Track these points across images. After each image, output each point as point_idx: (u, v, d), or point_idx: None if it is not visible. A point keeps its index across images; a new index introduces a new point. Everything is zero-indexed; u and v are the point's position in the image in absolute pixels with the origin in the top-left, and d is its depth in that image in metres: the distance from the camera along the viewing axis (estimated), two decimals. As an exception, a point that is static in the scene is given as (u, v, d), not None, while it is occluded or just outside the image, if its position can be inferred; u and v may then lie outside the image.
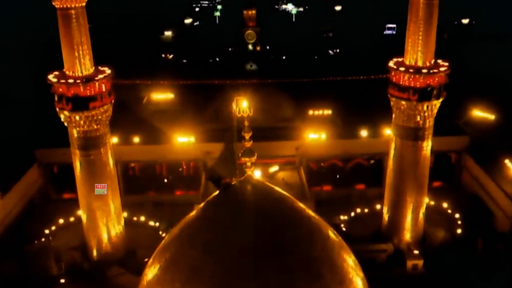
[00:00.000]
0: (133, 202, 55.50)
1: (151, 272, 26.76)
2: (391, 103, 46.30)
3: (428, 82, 43.73)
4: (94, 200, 46.57)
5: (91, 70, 44.04)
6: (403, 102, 44.81)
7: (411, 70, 43.80)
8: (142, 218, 54.50)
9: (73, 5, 41.73)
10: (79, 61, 43.16)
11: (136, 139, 59.50)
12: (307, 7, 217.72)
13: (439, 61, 45.06)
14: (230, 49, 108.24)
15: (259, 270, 23.67)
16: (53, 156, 58.32)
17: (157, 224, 53.82)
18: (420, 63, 44.17)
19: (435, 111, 45.26)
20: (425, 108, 44.48)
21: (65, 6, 41.66)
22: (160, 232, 52.54)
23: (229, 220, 25.60)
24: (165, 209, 55.64)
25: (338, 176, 61.57)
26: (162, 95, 71.93)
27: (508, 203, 49.59)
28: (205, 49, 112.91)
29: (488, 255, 46.95)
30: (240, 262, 23.88)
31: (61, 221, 53.26)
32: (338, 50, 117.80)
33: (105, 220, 47.48)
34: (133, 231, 51.74)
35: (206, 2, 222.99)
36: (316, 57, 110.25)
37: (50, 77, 43.52)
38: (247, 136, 25.50)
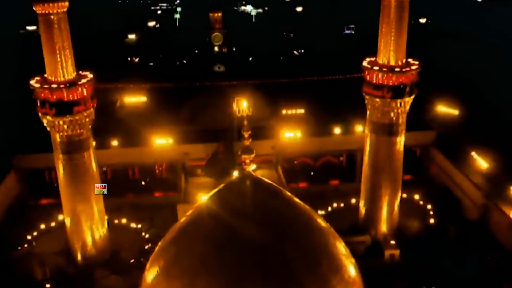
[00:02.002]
0: (112, 205, 55.69)
1: (155, 268, 27.58)
2: (366, 100, 48.26)
3: (400, 80, 45.89)
4: (78, 203, 46.88)
5: (73, 74, 44.42)
6: (378, 100, 46.85)
7: (384, 69, 45.88)
8: (124, 221, 54.91)
9: (54, 11, 42.09)
10: (61, 66, 43.50)
11: (114, 143, 59.86)
12: (266, 8, 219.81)
13: (410, 60, 47.37)
14: (196, 51, 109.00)
15: (263, 262, 24.90)
16: (30, 162, 58.14)
17: (139, 226, 54.36)
18: (392, 62, 46.31)
19: (408, 107, 47.56)
20: (398, 105, 46.65)
21: (46, 12, 41.98)
22: (143, 234, 53.22)
23: (231, 214, 26.78)
24: (145, 211, 56.24)
25: (312, 173, 63.45)
26: (135, 98, 72.16)
27: (476, 192, 52.50)
28: (171, 51, 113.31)
29: (460, 242, 49.53)
30: (245, 254, 25.07)
31: (42, 226, 53.18)
32: (302, 51, 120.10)
33: (89, 223, 47.82)
34: (115, 233, 52.07)
35: (165, 4, 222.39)
36: (281, 58, 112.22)
37: (32, 82, 43.68)
38: (246, 134, 26.82)
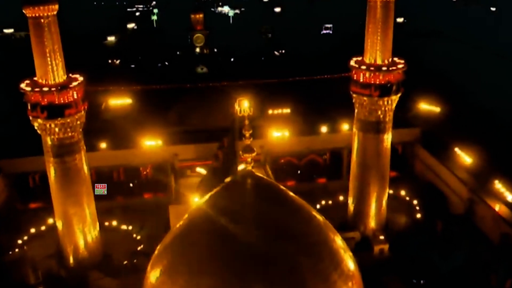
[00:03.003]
0: (102, 207, 55.65)
1: (159, 268, 27.89)
2: (353, 99, 49.15)
3: (387, 78, 46.89)
4: (70, 206, 46.83)
5: (64, 77, 44.41)
6: (365, 98, 47.76)
7: (372, 68, 46.83)
8: (114, 223, 54.96)
9: (45, 14, 41.99)
10: (52, 69, 43.45)
11: (102, 145, 59.78)
12: (243, 9, 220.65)
13: (395, 59, 48.43)
14: (178, 52, 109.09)
15: (265, 259, 25.38)
16: (16, 166, 57.75)
17: (130, 227, 54.50)
18: (379, 61, 47.30)
19: (394, 105, 48.64)
20: (385, 103, 47.66)
21: (37, 15, 41.87)
22: (134, 235, 53.36)
23: (233, 212, 27.24)
24: (135, 213, 56.36)
25: (299, 171, 64.26)
26: (120, 100, 72.01)
27: (461, 187, 53.90)
28: (152, 53, 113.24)
29: (446, 236, 50.81)
30: (247, 252, 25.52)
31: (32, 230, 52.96)
32: (283, 51, 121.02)
33: (81, 226, 47.78)
34: (106, 235, 52.10)
35: (141, 6, 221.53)
36: (263, 58, 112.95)
37: (23, 85, 43.54)
38: (248, 134, 27.50)
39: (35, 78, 44.29)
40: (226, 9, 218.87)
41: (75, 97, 44.29)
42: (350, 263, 28.16)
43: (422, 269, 47.00)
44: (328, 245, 28.08)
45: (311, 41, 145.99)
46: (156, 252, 28.88)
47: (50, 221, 53.24)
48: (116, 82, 72.84)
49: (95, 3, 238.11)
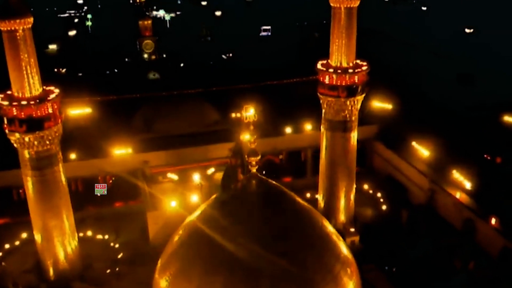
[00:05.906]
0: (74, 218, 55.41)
1: (171, 270, 28.97)
2: (321, 100, 51.42)
3: (353, 80, 49.59)
4: (51, 219, 46.50)
5: (40, 90, 44.26)
6: (333, 99, 50.15)
7: (339, 71, 49.33)
8: (89, 233, 54.90)
9: (20, 28, 41.73)
10: (29, 82, 43.25)
11: (72, 156, 59.45)
12: (179, 13, 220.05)
13: (358, 61, 51.27)
14: (126, 59, 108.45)
15: (274, 257, 26.97)
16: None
17: (106, 236, 54.62)
18: (344, 64, 49.81)
19: (359, 105, 51.47)
20: (352, 103, 50.24)
21: (12, 28, 41.58)
22: (112, 244, 53.56)
23: (239, 211, 28.83)
24: (109, 222, 56.39)
25: (264, 172, 66.07)
26: (79, 110, 71.13)
27: (422, 178, 57.62)
28: (99, 60, 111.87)
29: (411, 225, 54.27)
30: (257, 251, 27.08)
31: (7, 246, 52.10)
32: (231, 55, 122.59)
33: (61, 238, 47.45)
34: (83, 246, 51.85)
35: (73, 12, 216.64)
36: (211, 62, 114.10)
37: (-1, 100, 43.12)
38: (252, 138, 29.30)
39: (9, 92, 43.96)
40: (161, 13, 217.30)
41: (53, 109, 44.27)
42: (346, 251, 30.30)
43: (392, 257, 50.03)
44: (327, 238, 30.14)
45: (251, 43, 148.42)
46: (163, 256, 29.92)
47: (24, 235, 52.70)
48: (69, 91, 71.87)
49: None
